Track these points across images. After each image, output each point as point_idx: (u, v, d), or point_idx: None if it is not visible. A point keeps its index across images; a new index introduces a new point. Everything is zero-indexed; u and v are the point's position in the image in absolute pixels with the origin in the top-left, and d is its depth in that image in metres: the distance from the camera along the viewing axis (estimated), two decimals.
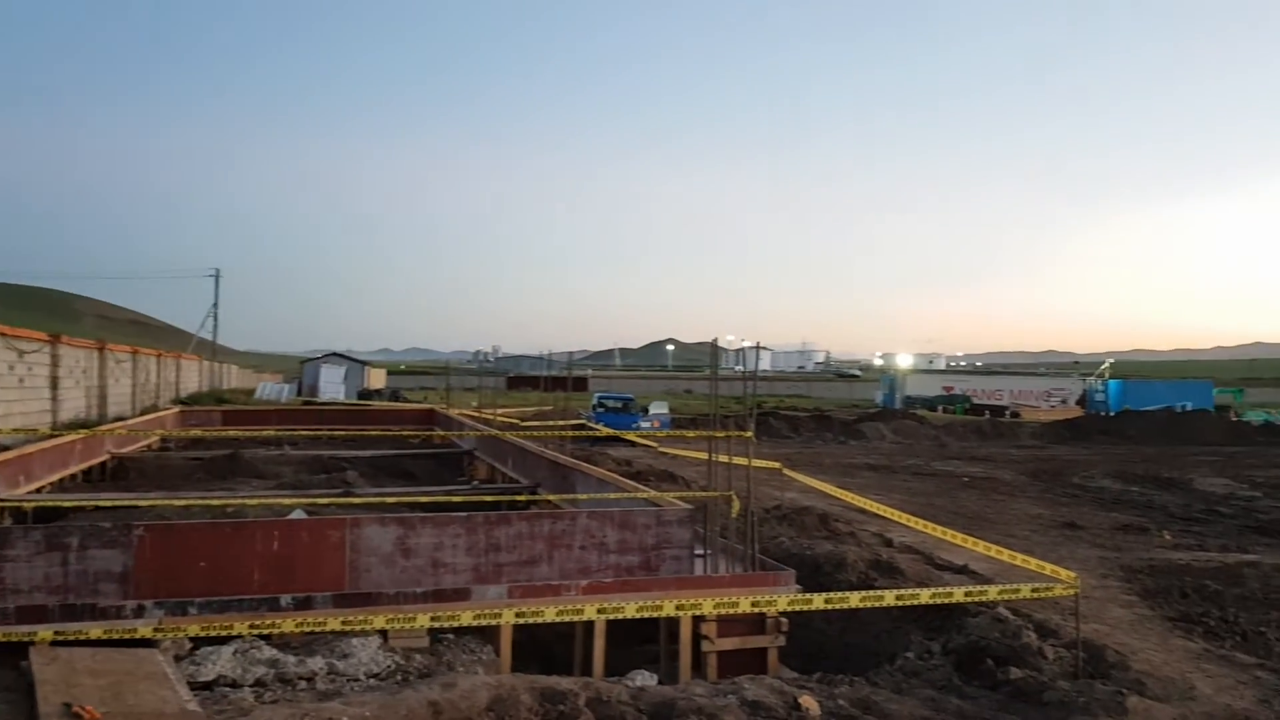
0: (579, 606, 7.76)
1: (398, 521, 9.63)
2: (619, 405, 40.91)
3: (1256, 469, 29.18)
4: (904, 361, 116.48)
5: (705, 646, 8.56)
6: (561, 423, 25.34)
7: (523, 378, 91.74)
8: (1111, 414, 55.26)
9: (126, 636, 6.83)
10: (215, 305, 71.60)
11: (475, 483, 19.11)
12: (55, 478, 17.01)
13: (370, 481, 19.08)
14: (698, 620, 8.57)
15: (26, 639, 6.64)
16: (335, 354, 76.58)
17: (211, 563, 8.72)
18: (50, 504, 14.45)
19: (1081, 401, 67.58)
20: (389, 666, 7.24)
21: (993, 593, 8.64)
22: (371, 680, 7.01)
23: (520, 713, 6.27)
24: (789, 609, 8.47)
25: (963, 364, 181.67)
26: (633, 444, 28.72)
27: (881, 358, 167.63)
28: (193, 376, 50.62)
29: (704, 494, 11.01)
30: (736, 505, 10.43)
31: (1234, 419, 52.53)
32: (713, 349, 12.18)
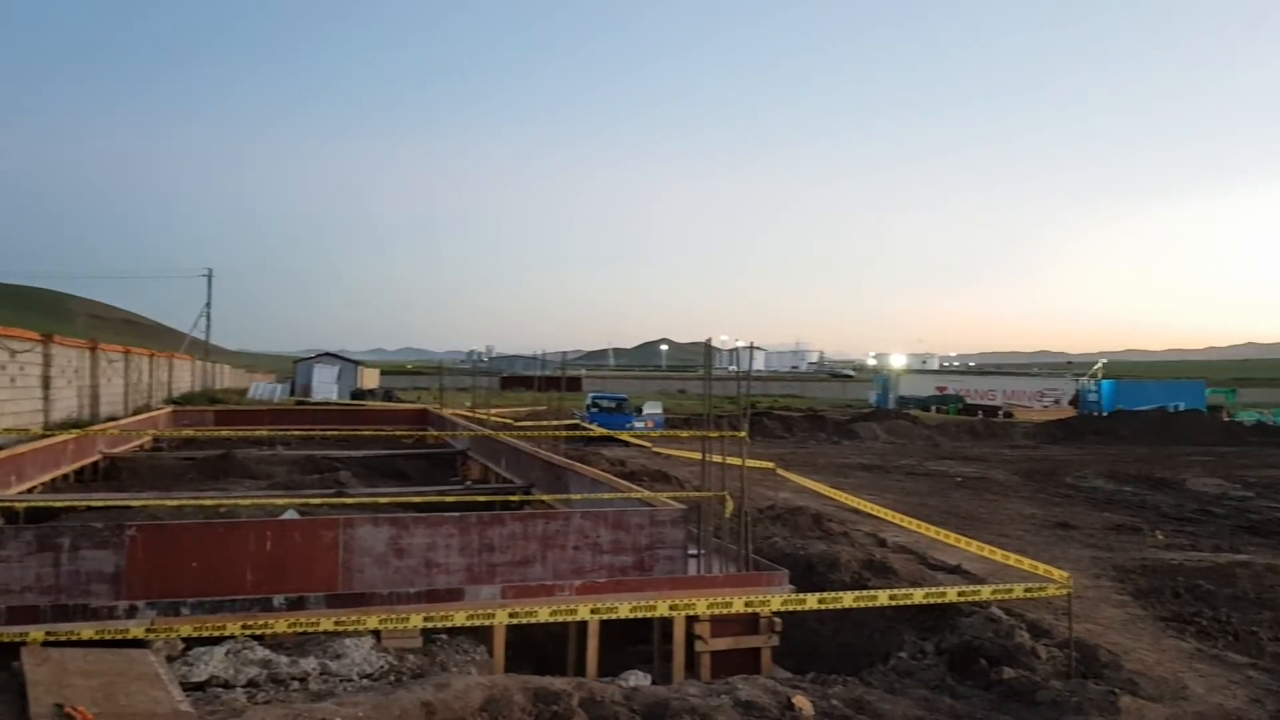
0: (572, 607, 7.76)
1: (391, 522, 9.61)
2: (613, 405, 40.90)
3: (1249, 469, 29.25)
4: (897, 362, 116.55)
5: (699, 646, 8.56)
6: (555, 423, 25.31)
7: (516, 377, 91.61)
8: (1104, 414, 55.35)
9: (118, 637, 6.81)
10: (208, 305, 71.54)
11: (469, 483, 19.10)
12: (47, 478, 16.97)
13: (363, 481, 19.07)
14: (691, 620, 8.57)
15: (18, 639, 6.62)
16: (328, 354, 76.44)
17: (204, 563, 8.71)
18: (42, 504, 14.42)
19: (1074, 402, 67.68)
20: (382, 667, 7.23)
21: (986, 593, 8.65)
22: (364, 681, 6.99)
23: (513, 713, 6.27)
24: (782, 609, 8.48)
25: (956, 364, 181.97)
26: (626, 444, 28.72)
27: (875, 358, 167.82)
28: (185, 376, 50.51)
29: (698, 494, 11.01)
30: (730, 505, 10.43)
31: (1226, 419, 52.63)
32: (706, 349, 12.18)
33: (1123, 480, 25.71)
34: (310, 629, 7.24)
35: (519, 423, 28.40)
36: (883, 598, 8.44)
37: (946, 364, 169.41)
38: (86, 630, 6.80)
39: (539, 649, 9.24)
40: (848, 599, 8.33)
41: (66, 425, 23.22)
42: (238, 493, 16.22)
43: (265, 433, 24.68)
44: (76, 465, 18.95)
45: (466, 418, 29.72)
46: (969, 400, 69.85)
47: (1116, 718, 6.95)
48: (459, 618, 7.42)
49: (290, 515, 12.11)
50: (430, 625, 7.51)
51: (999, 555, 9.57)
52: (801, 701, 6.89)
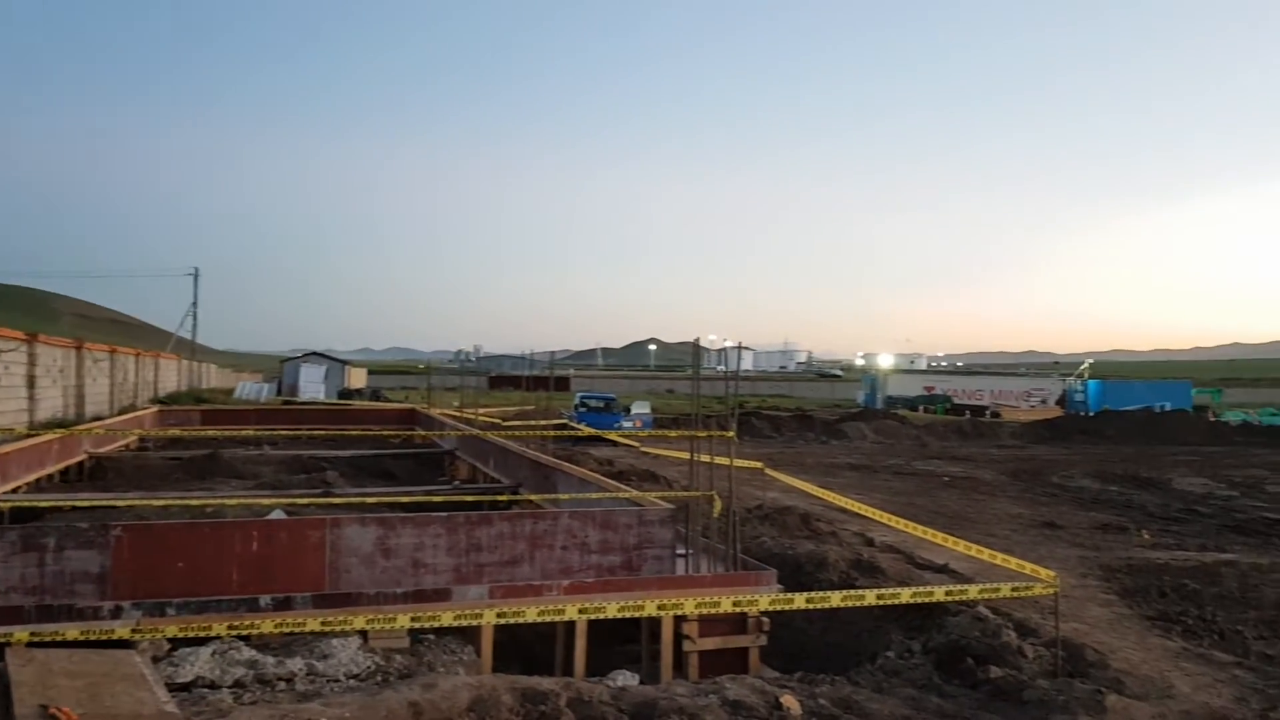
0: (560, 607, 7.74)
1: (378, 522, 9.59)
2: (601, 405, 40.89)
3: (1234, 469, 29.40)
4: (885, 361, 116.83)
5: (687, 646, 8.56)
6: (543, 422, 25.30)
7: (504, 377, 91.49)
8: (1091, 414, 55.58)
9: (104, 638, 6.77)
10: (194, 304, 71.21)
11: (456, 483, 19.06)
12: (32, 478, 16.87)
13: (350, 481, 19.01)
14: (679, 620, 8.56)
15: (2, 640, 6.57)
16: (315, 353, 76.16)
17: (190, 563, 8.67)
18: (27, 504, 14.34)
19: (1061, 401, 67.94)
20: (369, 667, 7.21)
21: (973, 592, 8.67)
22: (351, 681, 6.97)
23: (501, 713, 6.25)
24: (770, 608, 8.48)
25: (943, 364, 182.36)
26: (615, 444, 28.70)
27: (863, 358, 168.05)
28: (171, 376, 50.32)
29: (686, 494, 11.01)
30: (718, 505, 10.43)
31: (1212, 419, 52.90)
32: (695, 349, 12.19)
33: (1109, 480, 25.81)
34: (297, 629, 7.21)
35: (507, 422, 28.36)
36: (870, 597, 8.45)
37: (934, 364, 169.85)
38: (71, 631, 6.76)
39: (527, 649, 9.22)
40: (835, 598, 8.34)
41: (51, 425, 23.11)
42: (224, 493, 16.16)
43: (252, 432, 24.61)
44: (61, 465, 18.85)
45: (454, 417, 29.67)
46: (956, 400, 70.05)
47: (1103, 716, 6.97)
48: (446, 618, 7.40)
49: (277, 515, 12.07)
50: (417, 625, 7.49)
51: (986, 554, 9.60)
52: (789, 701, 6.89)
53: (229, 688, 6.69)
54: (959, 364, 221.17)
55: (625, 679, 7.67)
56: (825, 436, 42.14)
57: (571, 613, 7.68)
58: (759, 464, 16.20)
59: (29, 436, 17.29)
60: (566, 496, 13.27)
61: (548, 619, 7.75)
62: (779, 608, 8.34)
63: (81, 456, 20.15)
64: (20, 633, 6.67)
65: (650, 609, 8.02)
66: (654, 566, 10.17)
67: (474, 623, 7.62)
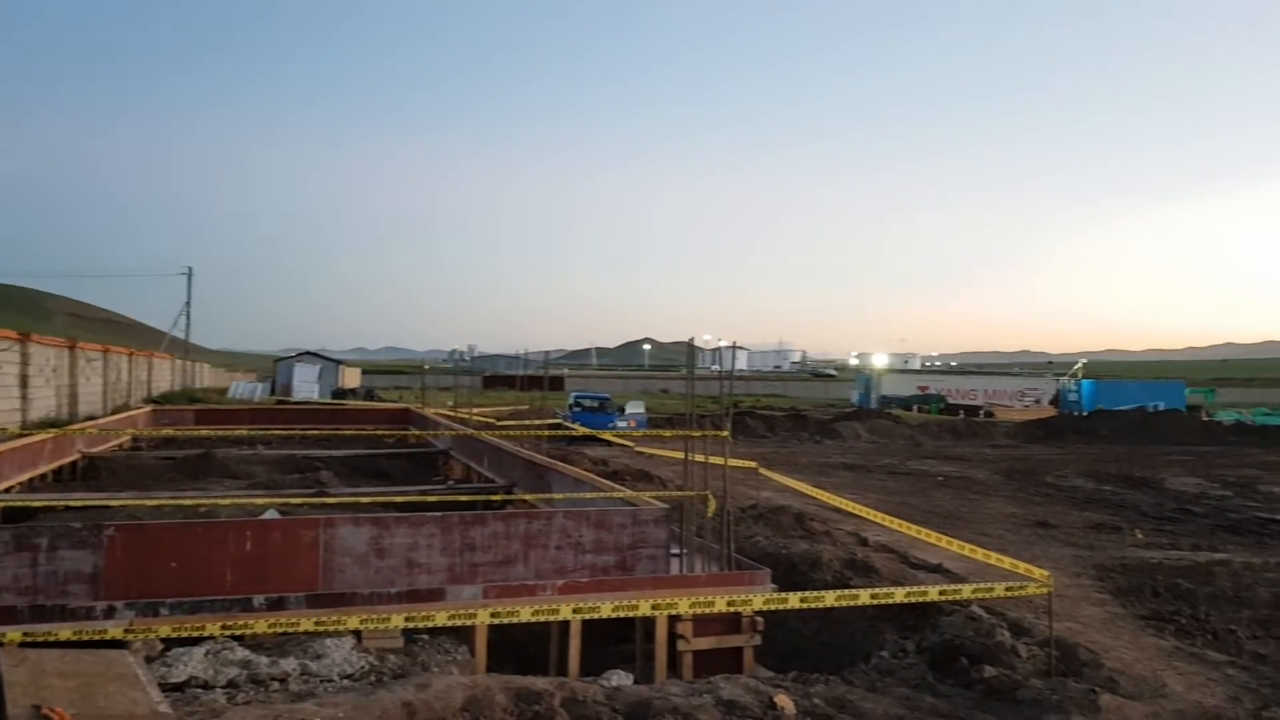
0: (554, 606, 7.73)
1: (372, 521, 9.58)
2: (595, 404, 40.87)
3: (1228, 468, 29.47)
4: (879, 361, 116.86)
5: (681, 646, 8.56)
6: (538, 422, 25.29)
7: (499, 377, 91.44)
8: (1084, 414, 55.69)
9: (97, 638, 6.75)
10: (188, 304, 71.12)
11: (450, 482, 19.05)
12: (25, 477, 16.84)
13: (344, 481, 19.00)
14: (673, 620, 8.56)
15: None
16: (309, 353, 76.06)
17: (183, 563, 8.65)
18: (20, 504, 14.30)
19: (1055, 401, 68.10)
20: (363, 667, 7.19)
21: (967, 591, 8.68)
22: (345, 681, 6.96)
23: (495, 713, 6.25)
24: (765, 608, 8.48)
25: (938, 364, 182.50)
26: (609, 443, 28.70)
27: (857, 357, 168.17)
28: (165, 375, 50.23)
29: (680, 493, 11.01)
30: (713, 504, 10.43)
31: (1205, 419, 53.06)
32: (689, 348, 12.18)
33: (1102, 479, 25.86)
34: (290, 629, 7.20)
35: (501, 422, 28.35)
36: (864, 597, 8.45)
37: (928, 364, 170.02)
38: (64, 631, 6.74)
39: (521, 649, 9.22)
40: (830, 598, 8.34)
41: (44, 424, 23.07)
42: (217, 492, 16.13)
43: (245, 432, 24.59)
44: (54, 465, 18.81)
45: (449, 417, 29.65)
46: (950, 400, 70.18)
47: (1097, 716, 6.99)
48: (440, 618, 7.39)
49: (271, 515, 12.05)
50: (411, 625, 7.48)
51: (980, 554, 9.60)
52: (784, 700, 6.90)
53: (222, 688, 6.67)
54: (953, 364, 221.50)
55: (619, 679, 7.66)
56: (819, 436, 42.17)
57: (566, 612, 7.67)
58: (753, 464, 16.20)
59: (22, 436, 17.24)
60: (561, 496, 13.27)
61: (542, 619, 7.75)
62: (773, 607, 8.34)
63: (75, 456, 20.11)
64: (13, 633, 6.64)
65: (644, 609, 8.02)
66: (648, 566, 10.16)
67: (468, 623, 7.61)
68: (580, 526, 10.06)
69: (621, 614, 7.91)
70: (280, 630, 7.17)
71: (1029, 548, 14.63)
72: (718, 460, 10.34)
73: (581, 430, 25.21)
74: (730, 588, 8.91)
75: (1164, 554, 14.28)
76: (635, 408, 42.49)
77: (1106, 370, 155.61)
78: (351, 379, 77.74)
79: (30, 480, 17.11)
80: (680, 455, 10.96)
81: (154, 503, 13.94)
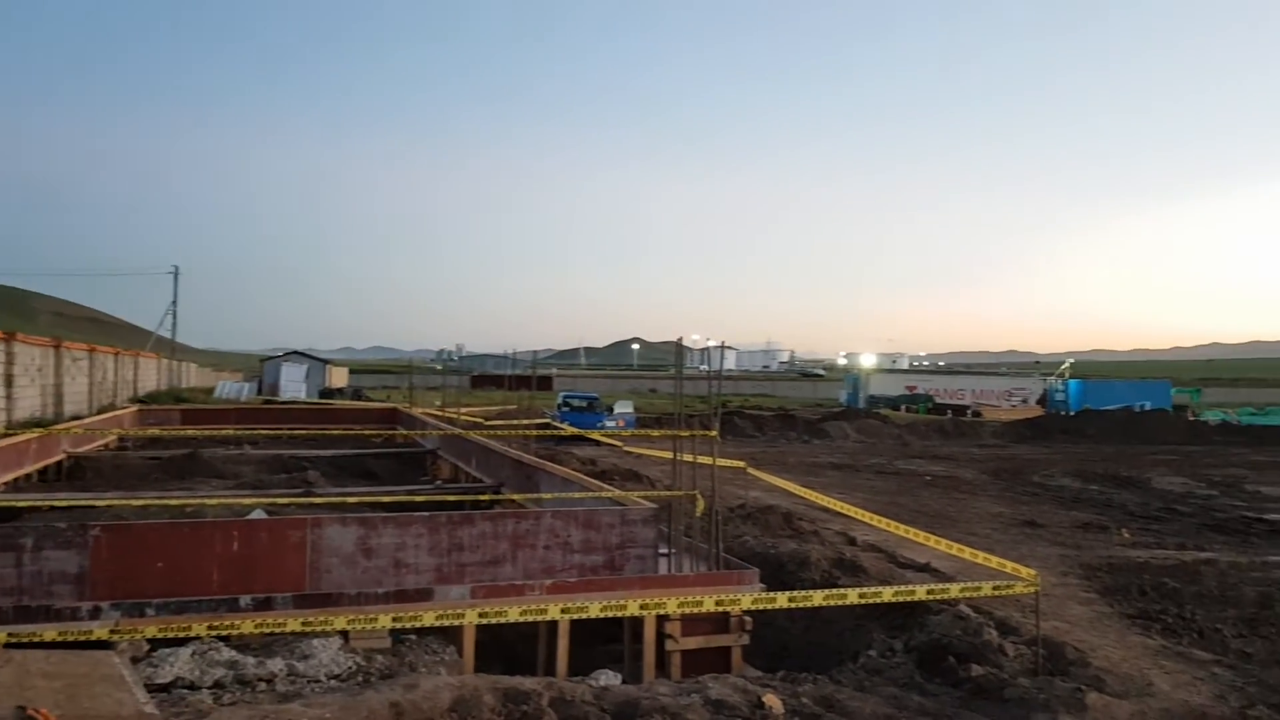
0: (543, 606, 7.72)
1: (359, 521, 9.54)
2: (584, 404, 40.85)
3: (1213, 468, 29.62)
4: (867, 361, 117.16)
5: (669, 646, 8.55)
6: (526, 422, 25.26)
7: (487, 376, 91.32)
8: (1071, 413, 55.90)
9: (82, 638, 6.70)
10: (174, 303, 70.89)
11: (438, 482, 19.02)
12: (10, 477, 16.74)
13: (332, 481, 18.93)
14: (662, 619, 8.56)
15: None
16: (296, 352, 75.87)
17: (169, 563, 8.61)
18: (4, 504, 14.20)
19: (1042, 401, 68.31)
20: (350, 668, 7.17)
21: (954, 590, 8.70)
22: (332, 681, 6.94)
23: (483, 713, 6.23)
24: (753, 608, 8.48)
25: (925, 364, 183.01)
26: (597, 443, 28.68)
27: (845, 357, 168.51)
28: (151, 375, 50.03)
29: (669, 493, 11.00)
30: (701, 504, 10.43)
31: (1191, 418, 53.30)
32: (678, 348, 12.18)
33: (1089, 479, 25.95)
34: (277, 630, 7.16)
35: (489, 422, 28.29)
36: (852, 596, 8.46)
37: (916, 364, 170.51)
38: (49, 632, 6.70)
39: (509, 649, 9.20)
40: (818, 597, 8.34)
41: (29, 424, 22.95)
42: (204, 492, 16.07)
43: (232, 432, 24.51)
44: (40, 465, 18.72)
45: (436, 417, 29.58)
46: (938, 399, 70.35)
47: (1083, 714, 7.01)
48: (428, 618, 7.37)
49: (257, 515, 12.01)
50: (399, 626, 7.46)
51: (967, 553, 9.63)
52: (772, 700, 6.90)
53: (209, 688, 6.64)
54: (941, 363, 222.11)
55: (608, 678, 7.65)
56: (808, 436, 42.23)
57: (554, 612, 7.66)
58: (742, 463, 16.21)
59: (6, 436, 17.16)
60: (549, 496, 13.25)
61: (530, 619, 7.73)
62: (761, 607, 8.34)
63: (60, 456, 20.01)
64: None
65: (633, 608, 8.01)
66: (637, 566, 10.15)
67: (456, 623, 7.59)
68: (568, 526, 10.04)
69: (610, 614, 7.90)
70: (267, 630, 7.14)
71: (1016, 547, 14.67)
72: (706, 460, 10.34)
73: (570, 430, 25.19)
74: (718, 587, 8.91)
75: (1150, 553, 14.34)
76: (624, 407, 42.50)
77: (1093, 370, 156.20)
78: (339, 378, 77.54)
79: (15, 480, 17.02)
80: (669, 455, 10.96)
81: (140, 503, 13.87)
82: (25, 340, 24.05)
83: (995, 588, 8.57)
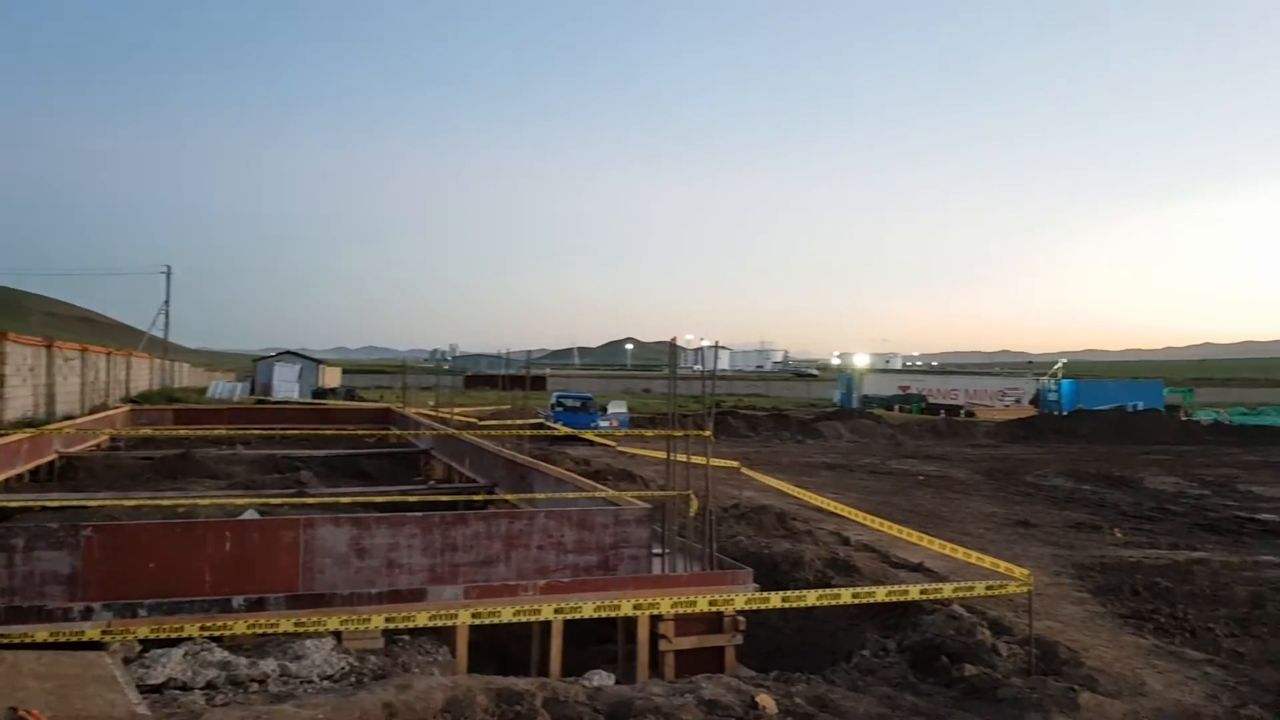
0: (536, 607, 7.71)
1: (352, 522, 9.53)
2: (577, 404, 40.84)
3: (1206, 468, 29.68)
4: (861, 361, 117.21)
5: (663, 646, 8.55)
6: (519, 422, 25.24)
7: (480, 376, 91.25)
8: (1064, 413, 55.97)
9: (74, 639, 6.68)
10: (166, 302, 70.71)
11: (432, 482, 18.99)
12: (1, 478, 16.70)
13: (325, 481, 18.91)
14: (655, 619, 8.55)
15: None
16: (289, 352, 75.76)
17: (161, 564, 8.59)
18: None
19: (1035, 401, 68.46)
20: (343, 668, 7.16)
21: (948, 590, 8.70)
22: (325, 682, 6.92)
23: (476, 714, 6.23)
24: (746, 608, 8.48)
25: (919, 364, 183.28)
26: (591, 443, 28.68)
27: (839, 357, 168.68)
28: (143, 375, 49.92)
29: (662, 493, 11.01)
30: (695, 504, 10.43)
31: (1184, 418, 53.41)
32: (671, 348, 12.17)
33: (1082, 479, 25.99)
34: (270, 630, 7.15)
35: (483, 422, 28.28)
36: (846, 596, 8.46)
37: (909, 364, 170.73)
38: (41, 632, 6.67)
39: (503, 649, 9.19)
40: (811, 597, 8.34)
41: (21, 424, 22.88)
42: (196, 493, 16.02)
43: (225, 432, 24.45)
44: (31, 465, 18.66)
45: (430, 417, 29.56)
46: (931, 399, 70.47)
47: (1076, 714, 7.02)
48: (421, 618, 7.36)
49: (250, 515, 11.99)
50: (392, 626, 7.45)
51: (960, 553, 9.63)
52: (765, 700, 6.90)
53: (201, 689, 6.63)
54: (934, 363, 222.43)
55: (601, 679, 7.65)
56: (801, 436, 42.24)
57: (547, 613, 7.65)
58: (735, 463, 16.22)
59: None
60: (543, 496, 13.24)
61: (523, 619, 7.72)
62: (755, 607, 8.34)
63: (52, 456, 19.95)
64: None
65: (626, 608, 8.01)
66: (630, 566, 10.15)
67: (449, 623, 7.58)
68: (562, 526, 10.04)
69: (603, 614, 7.90)
70: (260, 631, 7.13)
71: (1009, 547, 14.69)
72: (700, 460, 10.34)
73: (563, 430, 25.18)
74: (712, 587, 8.91)
75: (1143, 553, 14.37)
76: (617, 407, 42.48)
77: (1086, 370, 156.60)
78: (332, 378, 77.44)
79: (7, 480, 16.97)
80: (662, 455, 10.96)
81: (132, 503, 13.84)
82: (17, 340, 23.98)
83: (988, 587, 8.58)
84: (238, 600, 7.63)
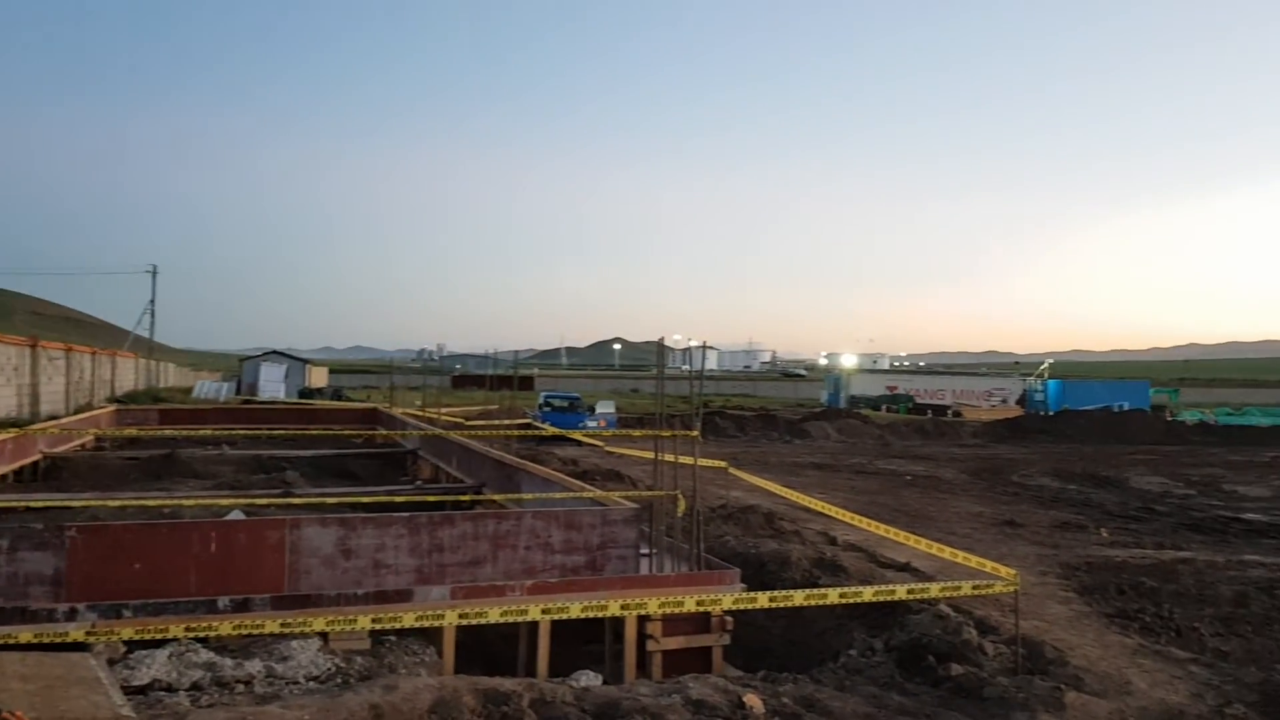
0: (523, 607, 7.69)
1: (339, 522, 9.50)
2: (565, 404, 40.81)
3: (1191, 468, 29.83)
4: (848, 361, 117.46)
5: (650, 646, 8.54)
6: (507, 422, 25.21)
7: (468, 376, 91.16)
8: (1051, 413, 56.19)
9: (58, 640, 6.65)
10: (152, 302, 70.38)
11: (419, 483, 18.95)
12: None
13: (311, 482, 18.85)
14: (643, 620, 8.55)
15: None
16: (275, 352, 75.55)
17: (147, 564, 8.55)
18: None
19: (1021, 401, 68.70)
20: (329, 669, 7.13)
21: (934, 590, 8.71)
22: (311, 683, 6.90)
23: (463, 714, 6.22)
24: (734, 608, 8.48)
25: (906, 364, 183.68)
26: (579, 443, 28.66)
27: (826, 357, 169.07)
28: (129, 374, 49.70)
29: (650, 493, 11.00)
30: (682, 504, 10.43)
31: (1169, 418, 53.68)
32: (659, 348, 12.17)
33: (1068, 478, 26.09)
34: (256, 631, 7.12)
35: (470, 422, 28.23)
36: (833, 596, 8.47)
37: (897, 364, 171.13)
38: (24, 634, 6.63)
39: (490, 650, 9.17)
40: (799, 597, 8.35)
41: (5, 424, 22.75)
42: (182, 493, 15.96)
43: (211, 432, 24.36)
44: (15, 465, 18.56)
45: (417, 417, 29.50)
46: (919, 400, 70.70)
47: (1062, 713, 7.04)
48: (408, 619, 7.34)
49: (236, 516, 11.94)
50: (379, 627, 7.42)
51: (947, 553, 9.65)
52: (752, 700, 6.90)
53: (186, 690, 6.60)
54: (921, 364, 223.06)
55: (588, 679, 7.64)
56: (789, 436, 42.31)
57: (534, 613, 7.63)
58: (723, 463, 16.22)
59: None
60: (530, 496, 13.22)
61: (510, 619, 7.70)
62: (742, 607, 8.34)
63: (36, 456, 19.84)
64: None
65: (614, 609, 8.00)
66: (618, 566, 10.15)
67: (436, 624, 7.56)
68: (549, 527, 10.03)
69: (591, 614, 7.89)
70: (245, 632, 7.10)
71: (996, 546, 14.73)
72: (687, 460, 10.33)
73: (551, 430, 25.16)
74: (700, 587, 8.91)
75: (1129, 552, 14.42)
76: (605, 407, 42.46)
77: (1072, 370, 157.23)
78: (319, 378, 77.25)
79: None
80: (650, 455, 10.95)
81: (117, 503, 13.77)
82: (1, 339, 23.83)
83: (975, 587, 8.60)
84: (223, 601, 7.60)
